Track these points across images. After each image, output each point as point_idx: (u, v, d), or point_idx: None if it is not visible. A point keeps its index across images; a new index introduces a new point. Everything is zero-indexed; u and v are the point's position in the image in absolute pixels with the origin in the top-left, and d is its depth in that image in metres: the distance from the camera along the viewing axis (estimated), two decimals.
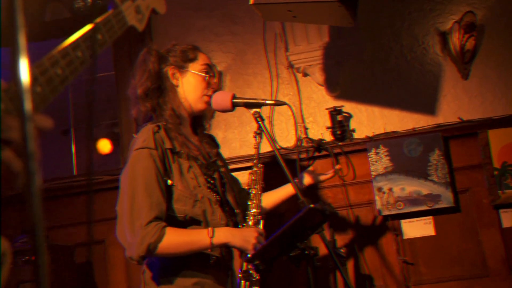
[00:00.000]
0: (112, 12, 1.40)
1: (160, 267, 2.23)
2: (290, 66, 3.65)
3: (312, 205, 2.06)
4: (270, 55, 3.69)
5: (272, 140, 2.39)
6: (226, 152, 3.64)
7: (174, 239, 2.16)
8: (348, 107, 3.57)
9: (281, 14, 2.87)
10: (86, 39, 1.24)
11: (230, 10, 3.78)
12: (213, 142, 2.68)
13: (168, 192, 2.24)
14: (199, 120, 2.59)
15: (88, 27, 1.26)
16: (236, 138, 3.70)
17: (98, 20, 1.32)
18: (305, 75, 3.65)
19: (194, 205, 2.24)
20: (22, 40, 0.89)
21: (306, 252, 2.15)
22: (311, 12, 2.82)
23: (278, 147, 3.47)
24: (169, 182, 2.25)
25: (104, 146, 7.10)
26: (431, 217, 3.35)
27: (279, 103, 2.49)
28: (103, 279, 3.63)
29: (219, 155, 2.65)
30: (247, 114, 3.18)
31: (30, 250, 3.12)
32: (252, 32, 3.74)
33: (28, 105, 0.90)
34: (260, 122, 2.44)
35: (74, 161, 4.39)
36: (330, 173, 2.89)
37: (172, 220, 2.22)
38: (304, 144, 3.55)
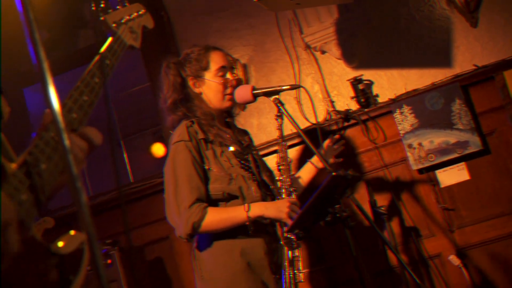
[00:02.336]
0: (113, 39, 1.70)
1: (204, 238, 2.55)
2: (307, 47, 3.87)
3: (334, 173, 2.31)
4: (287, 40, 3.93)
5: (293, 120, 2.66)
6: (263, 137, 3.92)
7: (215, 217, 2.49)
8: (368, 75, 3.77)
9: (285, 3, 3.11)
10: (98, 66, 1.54)
11: (243, 6, 4.02)
12: (245, 134, 2.98)
13: (205, 176, 2.56)
14: (230, 114, 2.89)
15: (97, 57, 1.56)
16: (270, 123, 3.96)
17: (103, 48, 1.63)
18: (323, 52, 3.87)
19: (229, 182, 2.56)
20: (48, 75, 1.12)
21: (338, 215, 2.41)
22: None
23: (310, 123, 3.72)
24: (206, 167, 2.58)
25: (158, 149, 7.51)
26: (463, 163, 3.52)
27: (294, 87, 2.76)
28: (174, 271, 3.99)
29: (251, 143, 2.94)
30: None
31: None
32: (267, 22, 3.98)
33: (66, 138, 1.15)
34: (280, 107, 2.71)
35: (128, 169, 4.76)
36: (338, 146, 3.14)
37: (213, 199, 2.54)
38: (333, 116, 3.78)
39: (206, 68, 2.77)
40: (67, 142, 1.10)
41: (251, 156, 2.78)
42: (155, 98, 4.25)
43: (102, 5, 1.81)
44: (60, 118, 1.07)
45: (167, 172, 2.62)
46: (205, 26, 4.15)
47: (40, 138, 1.22)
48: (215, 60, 2.79)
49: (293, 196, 2.64)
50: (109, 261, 3.59)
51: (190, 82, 2.77)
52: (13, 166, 1.13)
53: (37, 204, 1.15)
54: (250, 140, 2.97)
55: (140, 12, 1.97)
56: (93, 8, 1.82)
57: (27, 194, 1.12)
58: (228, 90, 2.76)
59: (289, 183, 2.66)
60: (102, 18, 1.78)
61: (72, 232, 1.25)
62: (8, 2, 4.27)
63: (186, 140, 2.58)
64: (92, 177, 4.78)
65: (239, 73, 2.89)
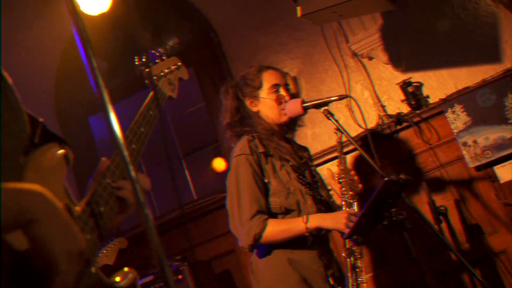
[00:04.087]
0: (154, 92, 1.86)
1: (263, 249, 2.67)
2: (354, 54, 3.95)
3: (386, 178, 2.38)
4: (334, 50, 4.01)
5: (343, 129, 2.75)
6: (318, 146, 4.02)
7: (275, 228, 2.60)
8: (417, 77, 3.81)
9: (328, 16, 3.21)
10: (143, 116, 1.70)
11: (289, 21, 4.14)
12: (305, 150, 3.09)
13: (265, 188, 2.69)
14: (290, 128, 3.01)
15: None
16: (323, 132, 4.05)
17: (147, 100, 1.78)
18: (370, 58, 3.93)
19: (287, 197, 2.66)
20: (108, 103, 1.14)
21: (394, 218, 2.47)
22: (354, 8, 3.12)
23: (363, 129, 3.79)
24: (266, 180, 2.70)
25: (219, 164, 7.69)
26: None
27: (342, 97, 2.84)
28: (242, 283, 4.12)
29: (310, 160, 3.05)
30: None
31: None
32: (313, 34, 4.08)
33: (132, 167, 1.24)
34: (330, 118, 2.80)
35: (191, 186, 4.93)
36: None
37: (271, 212, 2.65)
38: (385, 121, 3.83)
39: (259, 87, 2.91)
40: (131, 169, 1.15)
41: (308, 172, 2.88)
42: (211, 116, 4.43)
43: (143, 59, 1.97)
44: (122, 144, 1.14)
45: (229, 185, 2.75)
46: (254, 42, 4.29)
47: (98, 184, 1.36)
48: (268, 79, 2.93)
49: (354, 207, 2.73)
50: (180, 276, 3.75)
51: (247, 102, 2.92)
52: (78, 209, 1.26)
53: (100, 242, 1.27)
54: (310, 156, 3.08)
55: (177, 65, 2.16)
56: (137, 61, 1.98)
57: (91, 234, 1.24)
58: (283, 106, 2.88)
59: (350, 195, 2.75)
60: (144, 72, 1.93)
61: (126, 269, 1.35)
62: (69, 35, 4.54)
63: (247, 154, 2.71)
64: (158, 196, 4.99)
65: (291, 87, 3.01)
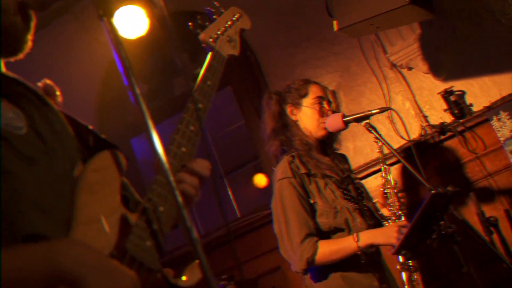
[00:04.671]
0: (211, 56, 1.71)
1: (317, 269, 2.63)
2: (393, 65, 3.90)
3: (433, 191, 2.33)
4: (372, 61, 3.98)
5: (386, 142, 2.71)
6: (360, 159, 3.97)
7: (327, 250, 2.56)
8: (459, 85, 3.73)
9: (365, 29, 3.18)
10: (200, 89, 1.60)
11: (325, 35, 4.12)
12: (344, 159, 3.05)
13: (312, 210, 2.65)
14: (327, 142, 2.98)
15: (197, 80, 1.61)
16: (365, 145, 4.00)
17: (203, 69, 1.65)
18: (410, 69, 3.88)
19: (335, 216, 2.63)
20: (150, 124, 1.14)
21: (443, 232, 2.41)
22: (391, 19, 3.09)
23: (406, 141, 3.73)
24: (311, 201, 2.67)
25: (260, 180, 7.69)
26: None
27: (383, 110, 2.80)
28: None
29: (350, 170, 3.02)
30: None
31: None
32: (351, 47, 4.05)
33: (173, 178, 1.16)
34: (372, 131, 2.77)
35: (234, 204, 4.94)
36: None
37: (320, 232, 2.62)
38: (428, 131, 3.76)
39: (304, 95, 2.91)
40: (174, 185, 1.15)
41: (352, 185, 2.84)
42: (250, 133, 4.43)
43: (199, 21, 1.81)
44: (166, 165, 1.14)
45: (275, 209, 2.73)
46: (291, 58, 4.29)
47: (155, 182, 1.32)
48: (314, 90, 2.92)
49: (403, 219, 2.67)
50: None
51: (288, 110, 2.91)
52: (134, 216, 1.26)
53: (160, 247, 1.26)
54: (349, 166, 3.05)
55: (235, 17, 1.94)
56: (191, 27, 1.82)
57: (150, 241, 1.23)
58: (323, 119, 2.86)
59: (397, 206, 2.70)
60: (200, 37, 1.78)
61: (192, 264, 1.33)
62: (109, 59, 4.63)
63: (289, 177, 2.69)
64: (201, 215, 5.01)
65: (333, 105, 2.99)
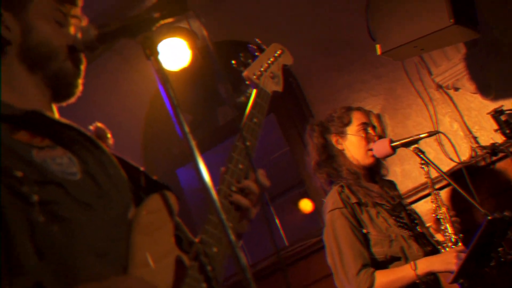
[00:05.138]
0: (256, 93, 1.71)
1: None
2: (439, 86, 3.83)
3: (490, 217, 2.25)
4: (416, 83, 3.91)
5: (436, 166, 2.65)
6: (409, 183, 3.88)
7: (384, 280, 2.49)
8: (509, 104, 3.62)
9: (409, 51, 3.14)
10: (247, 127, 1.60)
11: (367, 58, 4.08)
12: (393, 186, 2.99)
13: (365, 240, 2.60)
14: (375, 169, 2.93)
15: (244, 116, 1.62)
16: (413, 168, 3.91)
17: (248, 107, 1.66)
18: (456, 89, 3.80)
19: (390, 245, 2.56)
20: (197, 154, 1.16)
21: (502, 259, 2.32)
22: (435, 40, 3.04)
23: (456, 163, 3.64)
24: (364, 231, 2.61)
25: (306, 205, 7.64)
26: None
27: (432, 134, 2.75)
28: None
29: (401, 197, 2.95)
30: None
31: None
32: (394, 70, 4.00)
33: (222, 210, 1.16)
34: (421, 155, 2.71)
35: (282, 233, 4.89)
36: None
37: (376, 262, 2.55)
38: (479, 152, 3.66)
39: (348, 123, 2.87)
40: (223, 216, 1.14)
41: (404, 212, 2.78)
42: (295, 160, 4.41)
43: (242, 58, 1.83)
44: (212, 192, 1.14)
45: (328, 241, 2.69)
46: (333, 83, 4.26)
47: (208, 223, 1.32)
48: (357, 117, 2.89)
49: (459, 244, 2.59)
50: None
51: (333, 139, 2.88)
52: (188, 257, 1.26)
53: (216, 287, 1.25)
54: (399, 193, 2.98)
55: (277, 53, 1.95)
56: (234, 64, 1.84)
57: (205, 282, 1.23)
58: (370, 146, 2.82)
59: (451, 231, 2.62)
60: (244, 74, 1.78)
61: None
62: (154, 91, 4.70)
63: (340, 208, 2.65)
64: (249, 244, 4.98)
65: (378, 129, 2.95)
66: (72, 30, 1.44)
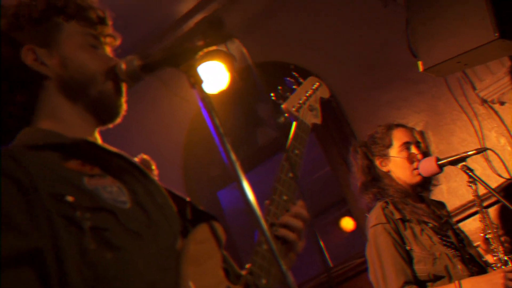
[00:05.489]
0: (296, 125, 1.74)
1: None
2: (484, 101, 3.74)
3: None
4: (460, 99, 3.83)
5: (485, 184, 2.57)
6: (456, 201, 3.78)
7: None
8: None
9: (452, 67, 3.07)
10: (289, 159, 1.62)
11: (408, 75, 4.02)
12: (441, 206, 2.92)
13: (408, 257, 2.53)
14: (424, 186, 2.86)
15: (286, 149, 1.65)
16: (460, 185, 3.81)
17: (289, 139, 1.69)
18: (502, 103, 3.70)
19: (434, 263, 2.49)
20: (241, 174, 1.15)
21: None
22: (480, 55, 2.97)
23: (505, 179, 3.53)
24: (407, 247, 2.54)
25: (347, 223, 7.54)
26: None
27: (480, 151, 2.67)
28: None
29: (450, 217, 2.87)
30: None
31: None
32: (436, 85, 3.92)
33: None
34: (469, 173, 2.63)
35: (326, 253, 4.83)
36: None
37: (418, 280, 2.48)
38: None
39: (389, 145, 2.82)
40: (277, 254, 1.12)
41: (451, 231, 2.70)
42: (337, 179, 4.35)
43: (280, 91, 1.87)
44: (257, 211, 1.12)
45: (370, 257, 2.64)
46: (374, 100, 4.21)
47: (256, 254, 1.32)
48: (398, 137, 2.83)
49: (510, 264, 2.49)
50: None
51: (377, 162, 2.83)
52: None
53: None
54: (448, 213, 2.90)
55: (315, 86, 1.98)
56: (273, 97, 1.88)
57: None
58: (415, 165, 2.76)
59: (501, 251, 2.53)
60: (283, 106, 1.82)
61: None
62: (192, 116, 4.73)
63: (383, 223, 2.59)
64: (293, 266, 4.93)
65: (422, 145, 2.89)
66: (107, 49, 1.47)
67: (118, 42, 1.49)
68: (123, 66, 1.35)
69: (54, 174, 1.15)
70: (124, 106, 1.40)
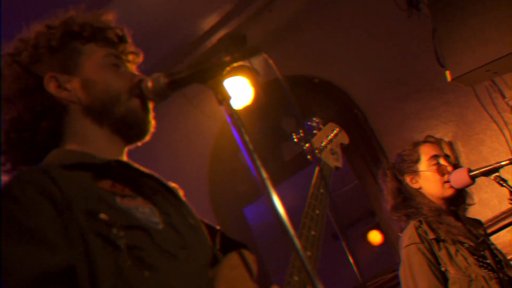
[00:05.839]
0: (319, 166, 1.81)
1: None
2: None
3: None
4: (489, 107, 3.75)
5: None
6: (488, 213, 3.69)
7: None
8: None
9: (481, 76, 3.02)
10: (315, 196, 1.66)
11: (434, 85, 3.96)
12: (478, 224, 2.84)
13: (443, 278, 2.46)
14: (458, 200, 2.79)
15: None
16: (491, 196, 3.73)
17: (314, 179, 1.73)
18: None
19: (469, 285, 2.41)
20: (270, 187, 1.18)
21: None
22: (509, 63, 2.91)
23: None
24: (442, 268, 2.47)
25: (375, 237, 7.44)
26: None
27: None
28: None
29: (487, 235, 2.79)
30: None
31: None
32: (464, 95, 3.85)
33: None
34: (504, 184, 2.56)
35: (355, 269, 4.75)
36: None
37: None
38: None
39: (418, 160, 2.78)
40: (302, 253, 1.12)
41: (488, 251, 2.62)
42: (365, 192, 4.29)
43: (301, 134, 1.96)
44: (288, 225, 1.11)
45: (404, 278, 2.58)
46: (400, 111, 4.15)
47: (287, 285, 1.34)
48: (425, 151, 2.79)
49: None
50: None
51: (408, 179, 2.78)
52: None
53: None
54: (485, 232, 2.82)
55: (334, 132, 2.07)
56: (295, 139, 1.97)
57: None
58: (446, 177, 2.70)
59: None
60: (305, 148, 1.90)
61: None
62: (216, 133, 4.72)
63: (417, 243, 2.53)
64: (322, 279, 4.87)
65: (452, 158, 2.83)
66: (131, 67, 1.46)
67: (140, 59, 1.48)
68: (150, 84, 1.34)
69: (87, 192, 1.15)
70: (152, 123, 1.39)
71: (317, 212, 1.59)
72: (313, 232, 1.52)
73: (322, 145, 1.95)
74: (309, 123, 2.06)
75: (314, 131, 2.03)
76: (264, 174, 1.19)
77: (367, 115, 4.28)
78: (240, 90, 4.23)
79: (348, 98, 4.36)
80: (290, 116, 4.68)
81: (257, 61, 4.44)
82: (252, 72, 4.24)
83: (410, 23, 4.02)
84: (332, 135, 2.05)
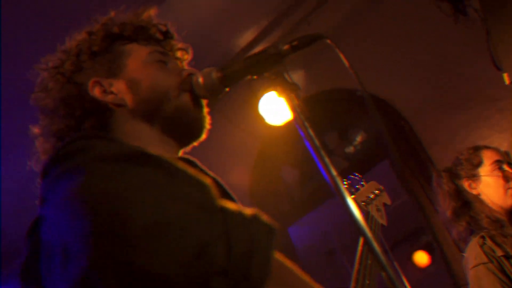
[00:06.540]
0: (367, 219, 1.79)
1: None
2: None
3: None
4: None
5: None
6: None
7: None
8: None
9: None
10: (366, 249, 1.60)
11: (487, 92, 3.78)
12: None
13: None
14: None
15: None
16: None
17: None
18: None
19: None
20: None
21: None
22: None
23: None
24: None
25: (421, 258, 7.16)
26: None
27: None
28: None
29: None
30: None
31: None
32: None
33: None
34: None
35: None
36: None
37: None
38: None
39: (479, 164, 2.58)
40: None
41: None
42: (417, 207, 4.10)
43: (345, 185, 1.93)
44: (364, 226, 0.99)
45: None
46: (450, 122, 3.97)
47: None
48: (488, 155, 2.60)
49: None
50: None
51: (465, 184, 2.58)
52: None
53: None
54: None
55: (378, 191, 2.05)
56: (346, 185, 1.95)
57: None
58: (510, 184, 2.50)
59: None
60: (353, 197, 1.86)
61: None
62: (259, 149, 4.60)
63: (485, 262, 2.33)
64: None
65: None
66: (179, 64, 1.39)
67: (190, 55, 1.38)
68: (201, 79, 1.22)
69: None
70: (207, 119, 1.28)
71: (367, 282, 1.55)
72: (367, 281, 1.51)
73: (369, 199, 1.92)
74: (351, 176, 2.05)
75: (357, 186, 2.00)
76: (334, 172, 1.05)
77: (414, 126, 4.11)
78: (280, 106, 4.10)
79: (394, 110, 4.19)
80: (333, 131, 4.55)
81: (297, 76, 4.33)
82: (291, 86, 4.12)
83: (457, 29, 3.86)
84: (377, 192, 2.02)
